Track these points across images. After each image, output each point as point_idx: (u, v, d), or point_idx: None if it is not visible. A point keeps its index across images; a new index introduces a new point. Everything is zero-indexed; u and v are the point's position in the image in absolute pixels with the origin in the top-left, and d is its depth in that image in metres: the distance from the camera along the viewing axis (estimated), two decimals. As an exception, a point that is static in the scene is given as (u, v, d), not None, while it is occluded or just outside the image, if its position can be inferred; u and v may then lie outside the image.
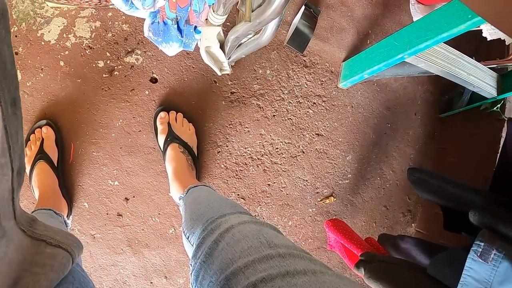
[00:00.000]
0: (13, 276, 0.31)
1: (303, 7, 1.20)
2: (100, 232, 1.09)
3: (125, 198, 1.11)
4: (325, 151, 1.21)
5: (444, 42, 0.92)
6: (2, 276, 0.29)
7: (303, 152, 1.20)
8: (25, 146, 1.05)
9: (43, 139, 1.03)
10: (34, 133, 1.05)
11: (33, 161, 1.01)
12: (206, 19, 1.01)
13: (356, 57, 1.20)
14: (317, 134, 1.21)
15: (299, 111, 1.19)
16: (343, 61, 1.25)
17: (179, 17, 1.03)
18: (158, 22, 1.06)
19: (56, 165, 1.04)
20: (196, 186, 0.91)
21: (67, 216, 1.03)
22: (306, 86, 1.20)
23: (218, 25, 1.01)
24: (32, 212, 0.89)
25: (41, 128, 1.05)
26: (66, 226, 0.96)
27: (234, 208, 0.68)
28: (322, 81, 1.22)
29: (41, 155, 1.01)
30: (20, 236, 0.33)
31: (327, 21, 1.24)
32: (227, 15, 0.96)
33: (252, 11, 0.70)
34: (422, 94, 1.37)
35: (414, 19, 1.38)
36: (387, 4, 1.35)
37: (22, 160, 0.30)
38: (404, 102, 1.33)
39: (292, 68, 1.19)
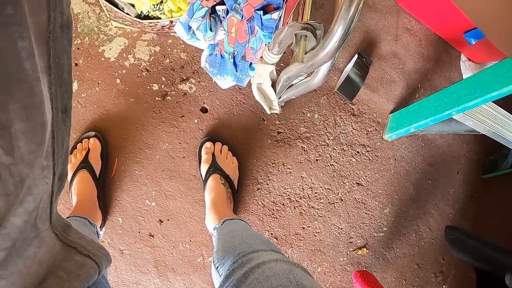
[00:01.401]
0: (39, 276, 0.31)
1: (356, 55, 1.21)
2: (129, 249, 1.10)
3: (160, 220, 1.11)
4: (364, 201, 1.20)
5: (492, 101, 0.91)
6: (30, 274, 0.29)
7: (342, 200, 1.19)
8: (71, 154, 1.08)
9: (89, 149, 1.07)
10: (81, 142, 1.09)
11: (76, 168, 1.04)
12: (261, 57, 1.03)
13: (403, 110, 1.20)
14: (358, 184, 1.20)
15: (342, 158, 1.19)
16: (391, 113, 1.24)
17: (236, 52, 1.06)
18: (216, 54, 1.10)
19: (97, 176, 1.07)
20: (232, 219, 0.91)
21: (100, 227, 1.04)
22: (351, 134, 1.20)
23: (272, 64, 1.03)
24: (67, 217, 0.91)
25: (89, 139, 1.09)
26: (98, 237, 0.98)
27: (267, 245, 0.69)
28: (368, 131, 1.21)
29: (85, 164, 1.04)
30: (52, 240, 0.33)
31: (378, 71, 1.25)
32: (281, 55, 0.99)
33: (305, 53, 0.72)
34: (467, 153, 1.35)
35: (464, 76, 1.37)
36: (438, 59, 1.35)
37: (65, 167, 0.31)
38: (448, 159, 1.31)
39: (340, 115, 1.20)
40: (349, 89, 1.18)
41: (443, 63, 1.36)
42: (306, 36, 0.70)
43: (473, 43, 1.24)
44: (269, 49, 0.96)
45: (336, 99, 1.20)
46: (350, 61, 1.21)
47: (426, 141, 1.28)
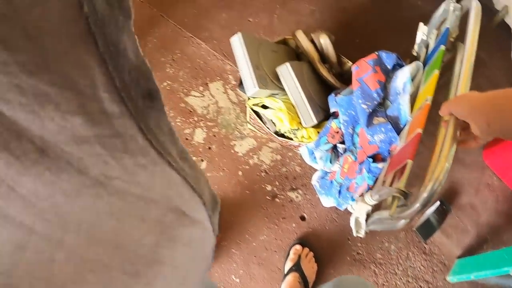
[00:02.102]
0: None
1: (438, 202, 1.42)
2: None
3: (238, 295, 1.36)
4: (415, 331, 1.38)
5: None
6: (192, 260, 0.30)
7: (397, 325, 1.38)
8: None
9: None
10: None
11: None
12: (362, 196, 1.28)
13: (469, 258, 1.37)
14: (414, 314, 1.39)
15: (406, 289, 1.39)
16: (458, 257, 1.42)
17: (343, 183, 1.32)
18: (327, 179, 1.36)
19: None
20: None
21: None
22: (419, 269, 1.39)
23: (369, 205, 1.27)
24: None
25: None
26: None
27: None
28: (434, 269, 1.40)
29: None
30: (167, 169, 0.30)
31: (454, 219, 1.44)
32: (378, 202, 1.23)
33: (397, 207, 0.96)
34: (519, 307, 1.47)
35: (532, 235, 1.51)
36: (511, 216, 1.50)
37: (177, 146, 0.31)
38: (500, 310, 1.45)
39: (413, 251, 1.40)
40: (426, 230, 1.39)
41: (516, 221, 1.51)
42: (399, 198, 0.96)
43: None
44: (370, 195, 1.21)
45: (412, 236, 1.41)
46: (432, 206, 1.42)
47: (484, 290, 1.44)
